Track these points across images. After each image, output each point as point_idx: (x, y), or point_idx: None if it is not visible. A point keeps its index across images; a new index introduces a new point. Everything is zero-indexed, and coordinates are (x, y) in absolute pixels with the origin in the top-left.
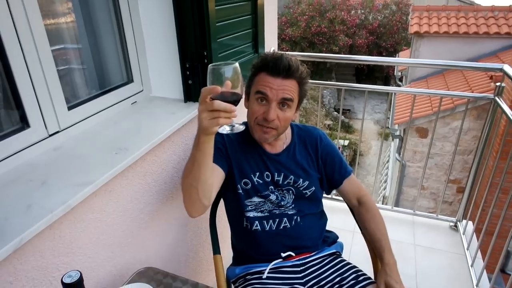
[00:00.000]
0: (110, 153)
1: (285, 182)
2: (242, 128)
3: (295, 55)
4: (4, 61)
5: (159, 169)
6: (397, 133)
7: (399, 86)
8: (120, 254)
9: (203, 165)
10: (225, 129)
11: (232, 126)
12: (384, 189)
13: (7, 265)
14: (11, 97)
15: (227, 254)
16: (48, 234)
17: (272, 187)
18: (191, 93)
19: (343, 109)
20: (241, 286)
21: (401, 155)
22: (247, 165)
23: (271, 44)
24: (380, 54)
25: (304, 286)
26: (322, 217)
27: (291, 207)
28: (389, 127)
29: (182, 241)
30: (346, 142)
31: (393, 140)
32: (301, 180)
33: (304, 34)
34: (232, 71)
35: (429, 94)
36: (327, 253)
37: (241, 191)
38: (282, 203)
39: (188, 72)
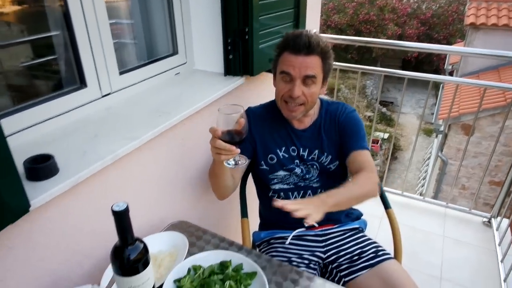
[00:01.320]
0: (154, 115)
1: (310, 157)
2: (245, 162)
3: (338, 38)
4: (70, 31)
5: (196, 136)
6: (441, 128)
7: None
8: (157, 207)
9: (221, 176)
10: (229, 163)
11: (235, 163)
12: (422, 186)
13: (64, 199)
14: (73, 61)
15: (254, 222)
16: (99, 178)
17: (298, 161)
18: (231, 68)
19: (385, 101)
20: (265, 249)
21: (443, 152)
22: (273, 141)
23: (312, 26)
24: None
25: (324, 255)
26: None
27: (315, 180)
28: (433, 122)
29: (213, 204)
30: (386, 135)
31: (436, 136)
32: (325, 155)
33: (351, 21)
34: (238, 114)
35: (478, 85)
36: (350, 227)
37: (265, 166)
38: (307, 176)
39: (229, 47)
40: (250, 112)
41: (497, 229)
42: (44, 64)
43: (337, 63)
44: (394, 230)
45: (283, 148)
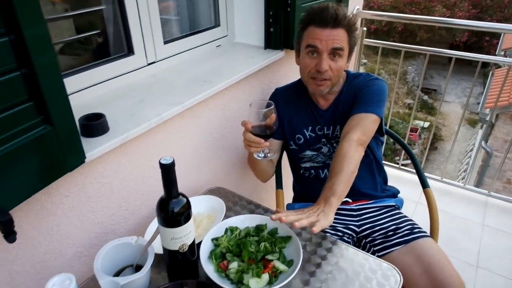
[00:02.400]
0: (195, 84)
1: (334, 135)
2: (272, 156)
3: (382, 15)
4: (121, 3)
5: (235, 106)
6: (487, 118)
7: (499, 67)
8: (196, 172)
9: (257, 164)
10: (258, 155)
11: (264, 155)
12: (463, 178)
13: (114, 156)
14: (122, 30)
15: (288, 196)
16: (144, 140)
17: (324, 140)
18: (271, 41)
19: (428, 89)
20: None
21: (488, 143)
22: (299, 121)
23: (356, 3)
24: (482, 31)
25: (358, 228)
26: (378, 168)
27: None
28: (479, 111)
29: (248, 175)
30: (426, 124)
31: (481, 127)
32: None
33: (395, 3)
34: (269, 109)
35: None
36: (386, 204)
37: (294, 146)
38: (334, 155)
39: (271, 20)
40: (278, 93)
41: None
42: (96, 34)
43: (379, 41)
44: (432, 210)
45: (310, 128)
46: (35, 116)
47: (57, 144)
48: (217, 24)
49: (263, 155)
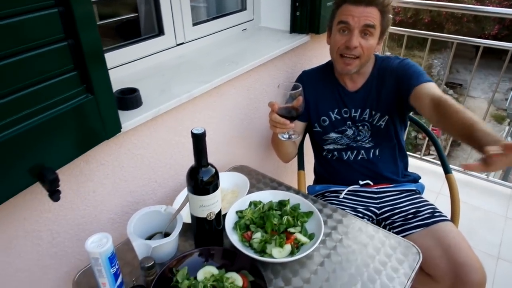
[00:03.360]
0: (222, 64)
1: (361, 118)
2: (297, 137)
3: (408, 2)
4: None
5: (260, 88)
6: None
7: None
8: (221, 151)
9: (281, 145)
10: (283, 137)
11: (288, 136)
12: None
13: (146, 129)
14: (154, 11)
15: (310, 179)
16: (174, 115)
17: (350, 123)
18: (297, 25)
19: (453, 83)
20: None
21: None
22: (325, 103)
23: None
24: None
25: (379, 211)
26: (401, 153)
27: (367, 141)
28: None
29: (271, 155)
30: None
31: (509, 124)
32: (373, 112)
33: None
34: (296, 91)
35: None
36: (407, 188)
37: (318, 128)
38: (359, 137)
39: (297, 4)
40: (304, 75)
41: None
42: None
43: (405, 29)
44: (453, 195)
45: (336, 110)
46: (78, 84)
47: (97, 113)
48: (243, 8)
49: (287, 136)
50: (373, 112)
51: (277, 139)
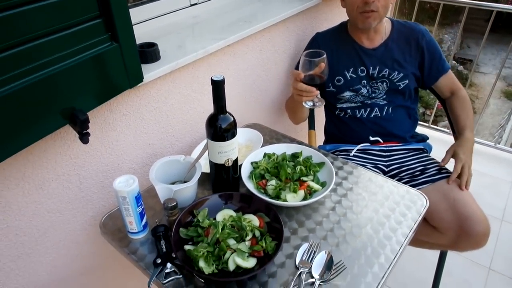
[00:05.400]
0: (235, 24)
1: (380, 75)
2: (321, 104)
3: None
4: None
5: (272, 49)
6: None
7: None
8: (234, 109)
9: (297, 110)
10: (308, 104)
11: (313, 103)
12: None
13: (164, 82)
14: None
15: (320, 139)
16: (191, 70)
17: (365, 81)
18: None
19: (464, 59)
20: None
21: None
22: (341, 63)
23: None
24: None
25: (387, 168)
26: (413, 115)
27: (382, 98)
28: None
29: (282, 116)
30: None
31: None
32: (396, 72)
33: None
34: (320, 60)
35: None
36: (415, 147)
37: (332, 88)
38: (374, 95)
39: None
40: (319, 37)
41: None
42: None
43: None
44: None
45: (351, 69)
46: (103, 32)
47: (121, 61)
48: None
49: (312, 103)
50: (395, 72)
51: (292, 104)
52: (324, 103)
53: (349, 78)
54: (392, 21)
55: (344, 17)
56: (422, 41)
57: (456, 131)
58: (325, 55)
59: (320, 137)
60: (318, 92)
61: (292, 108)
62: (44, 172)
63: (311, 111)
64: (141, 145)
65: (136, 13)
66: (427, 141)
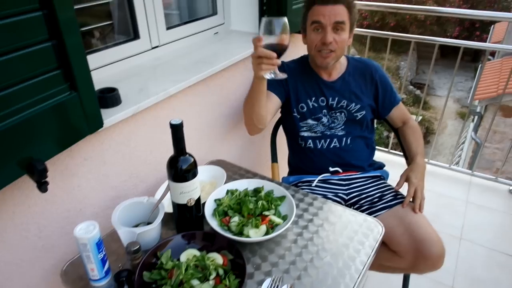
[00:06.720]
0: (196, 65)
1: (339, 105)
2: (284, 76)
3: (370, 5)
4: None
5: (233, 86)
6: (477, 110)
7: (489, 60)
8: (198, 146)
9: (256, 101)
10: (269, 75)
11: (275, 73)
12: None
13: (126, 126)
14: (129, 16)
15: (284, 170)
16: (152, 113)
17: (325, 111)
18: None
19: (420, 83)
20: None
21: (477, 134)
22: (304, 92)
23: None
24: (473, 25)
25: (347, 196)
26: (370, 145)
27: (340, 128)
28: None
29: (246, 150)
30: (419, 118)
31: (473, 120)
32: (353, 104)
33: None
34: (281, 25)
35: None
36: (372, 174)
37: (296, 114)
38: (333, 125)
39: (264, 8)
40: (284, 64)
41: None
42: (105, 19)
43: (367, 30)
44: None
45: (313, 98)
46: (62, 82)
47: (80, 108)
48: (214, 13)
49: (273, 74)
50: (352, 104)
51: (253, 95)
52: (286, 76)
53: (311, 106)
54: (348, 57)
55: (299, 55)
56: (376, 75)
57: (409, 157)
58: (286, 19)
59: (284, 169)
60: (280, 62)
61: (248, 101)
62: (1, 223)
63: (273, 143)
64: (103, 188)
65: (98, 58)
66: (384, 168)
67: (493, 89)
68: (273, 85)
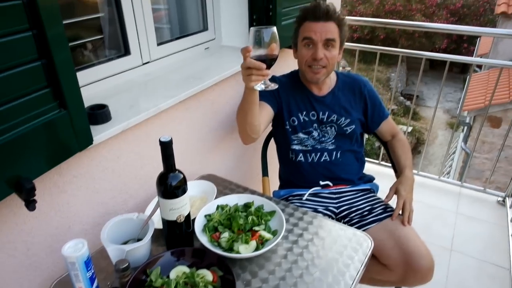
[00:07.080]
0: (187, 80)
1: (329, 120)
2: (275, 86)
3: (359, 20)
4: (119, 10)
5: (224, 101)
6: (467, 120)
7: (476, 72)
8: (189, 162)
9: (249, 111)
10: (259, 86)
11: (265, 84)
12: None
13: (116, 142)
14: (120, 32)
15: (275, 184)
16: (143, 129)
17: (316, 125)
18: None
19: (410, 94)
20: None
21: (467, 144)
22: (295, 106)
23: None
24: (460, 38)
25: (337, 210)
26: (360, 158)
27: (331, 142)
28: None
29: (237, 164)
30: (410, 129)
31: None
32: (343, 118)
33: (376, 12)
34: (270, 35)
35: (507, 66)
36: (362, 188)
37: (288, 127)
38: (323, 139)
39: (254, 24)
40: (276, 78)
41: (510, 207)
42: (96, 35)
43: (356, 44)
44: None
45: (304, 112)
46: (52, 100)
47: (70, 126)
48: (205, 28)
49: (264, 86)
50: (341, 118)
51: (245, 105)
52: (277, 86)
53: (302, 120)
54: (337, 73)
55: (289, 70)
56: (364, 90)
57: (398, 170)
58: (275, 28)
59: (275, 183)
60: (270, 72)
61: (242, 109)
62: None
63: (263, 157)
64: (93, 205)
65: (89, 74)
66: (374, 181)
67: (480, 100)
68: (266, 95)
